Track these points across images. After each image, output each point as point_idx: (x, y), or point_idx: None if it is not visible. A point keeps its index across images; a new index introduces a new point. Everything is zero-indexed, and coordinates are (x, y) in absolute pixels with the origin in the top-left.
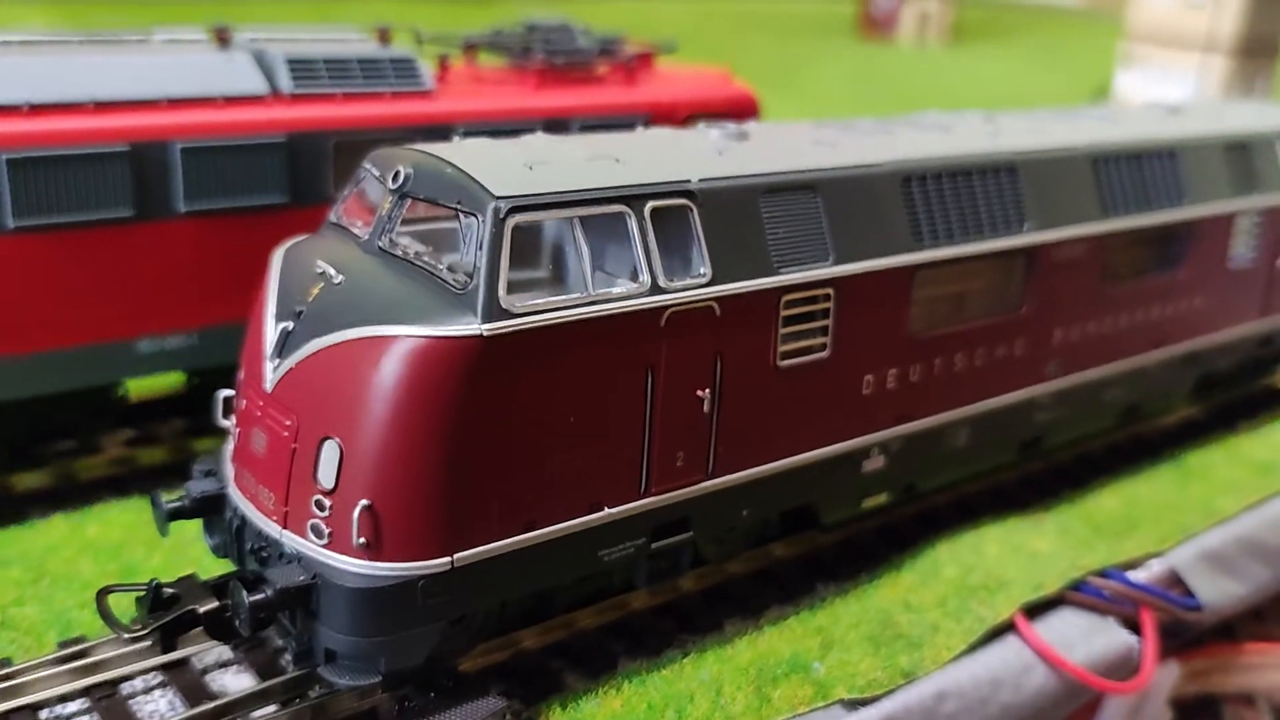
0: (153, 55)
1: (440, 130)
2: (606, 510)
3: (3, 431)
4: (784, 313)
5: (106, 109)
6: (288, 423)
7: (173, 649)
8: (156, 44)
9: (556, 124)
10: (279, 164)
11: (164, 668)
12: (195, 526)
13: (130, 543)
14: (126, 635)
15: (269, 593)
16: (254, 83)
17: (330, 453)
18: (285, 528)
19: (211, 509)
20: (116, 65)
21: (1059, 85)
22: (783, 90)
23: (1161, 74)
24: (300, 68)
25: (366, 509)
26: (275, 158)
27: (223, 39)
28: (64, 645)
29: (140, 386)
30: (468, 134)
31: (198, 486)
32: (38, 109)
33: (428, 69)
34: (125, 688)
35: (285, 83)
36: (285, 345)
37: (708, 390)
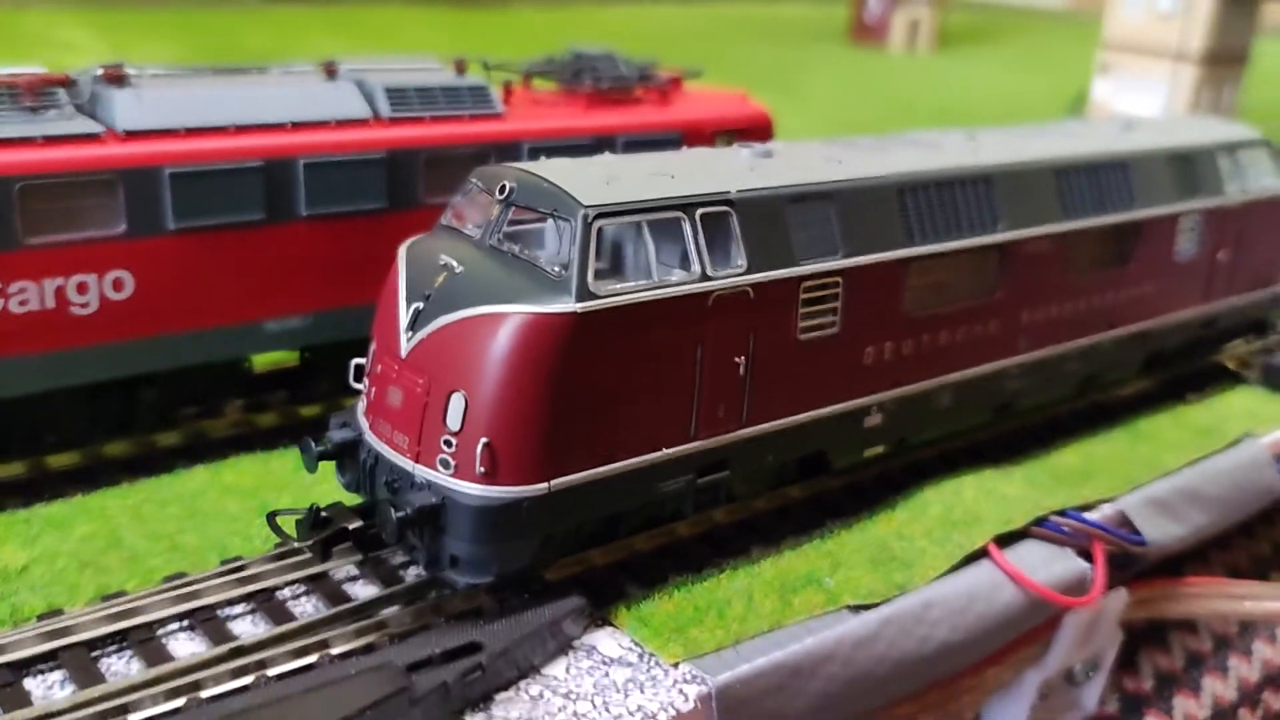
0: (276, 86)
1: (510, 146)
2: (664, 451)
3: (158, 397)
4: (803, 296)
5: (245, 131)
6: (420, 381)
7: (329, 558)
8: (276, 75)
9: (604, 140)
10: (380, 176)
11: (308, 579)
12: (314, 477)
13: (263, 487)
14: (297, 544)
15: (409, 511)
16: (359, 108)
17: (457, 403)
18: (417, 463)
19: (347, 453)
20: (249, 95)
21: (1040, 91)
22: (781, 97)
23: (1135, 82)
24: (396, 95)
25: (486, 445)
26: (377, 171)
27: (330, 72)
28: (226, 563)
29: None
30: (532, 150)
31: (338, 435)
32: (192, 131)
33: (496, 94)
34: (279, 594)
35: (384, 108)
36: (417, 321)
37: (743, 357)
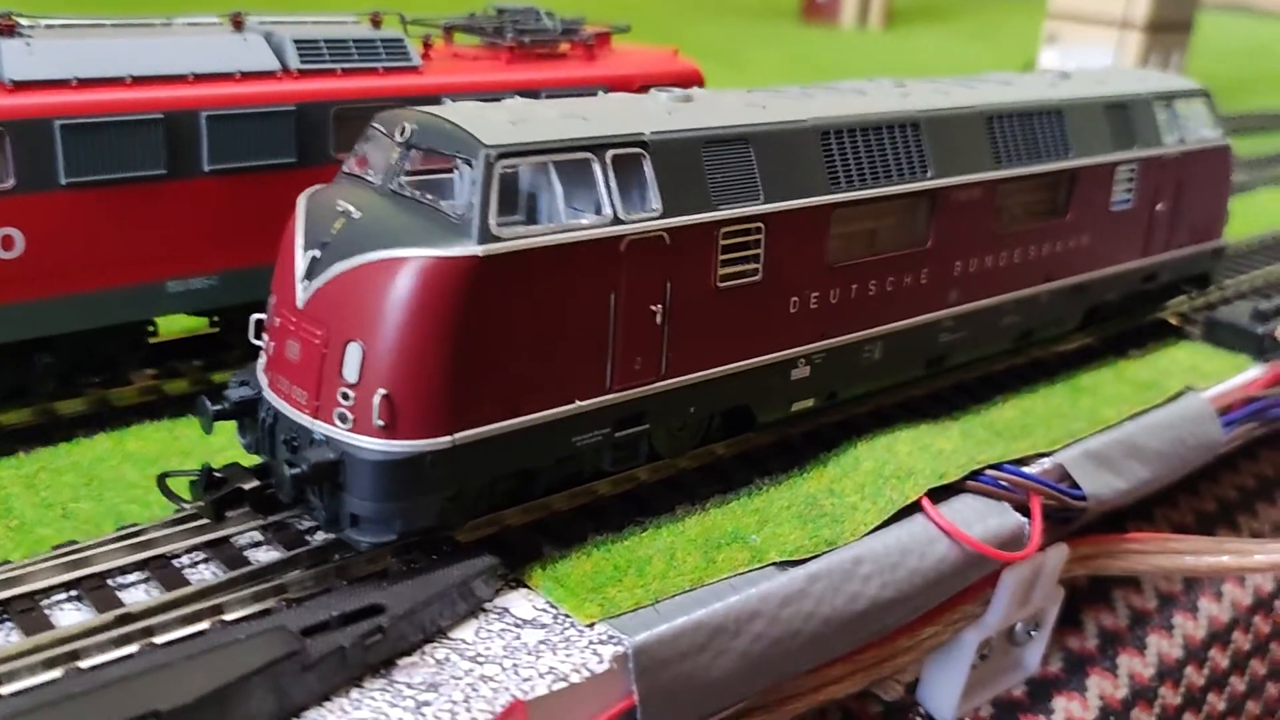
0: (178, 37)
1: (427, 100)
2: (578, 403)
3: (56, 362)
4: (722, 242)
5: (143, 83)
6: (318, 332)
7: (223, 519)
8: (180, 27)
9: (527, 95)
10: (288, 130)
11: (207, 545)
12: (220, 442)
13: (166, 454)
14: (187, 507)
15: (305, 467)
16: (266, 60)
17: (354, 353)
18: (315, 418)
19: (246, 412)
20: (149, 45)
21: (990, 62)
22: (731, 71)
23: (1082, 50)
24: (305, 47)
25: (384, 397)
26: (285, 125)
27: (237, 23)
28: (121, 529)
29: (164, 329)
30: None
31: (235, 393)
32: (85, 83)
33: (414, 48)
34: (176, 562)
35: (293, 60)
36: (313, 269)
37: (660, 306)
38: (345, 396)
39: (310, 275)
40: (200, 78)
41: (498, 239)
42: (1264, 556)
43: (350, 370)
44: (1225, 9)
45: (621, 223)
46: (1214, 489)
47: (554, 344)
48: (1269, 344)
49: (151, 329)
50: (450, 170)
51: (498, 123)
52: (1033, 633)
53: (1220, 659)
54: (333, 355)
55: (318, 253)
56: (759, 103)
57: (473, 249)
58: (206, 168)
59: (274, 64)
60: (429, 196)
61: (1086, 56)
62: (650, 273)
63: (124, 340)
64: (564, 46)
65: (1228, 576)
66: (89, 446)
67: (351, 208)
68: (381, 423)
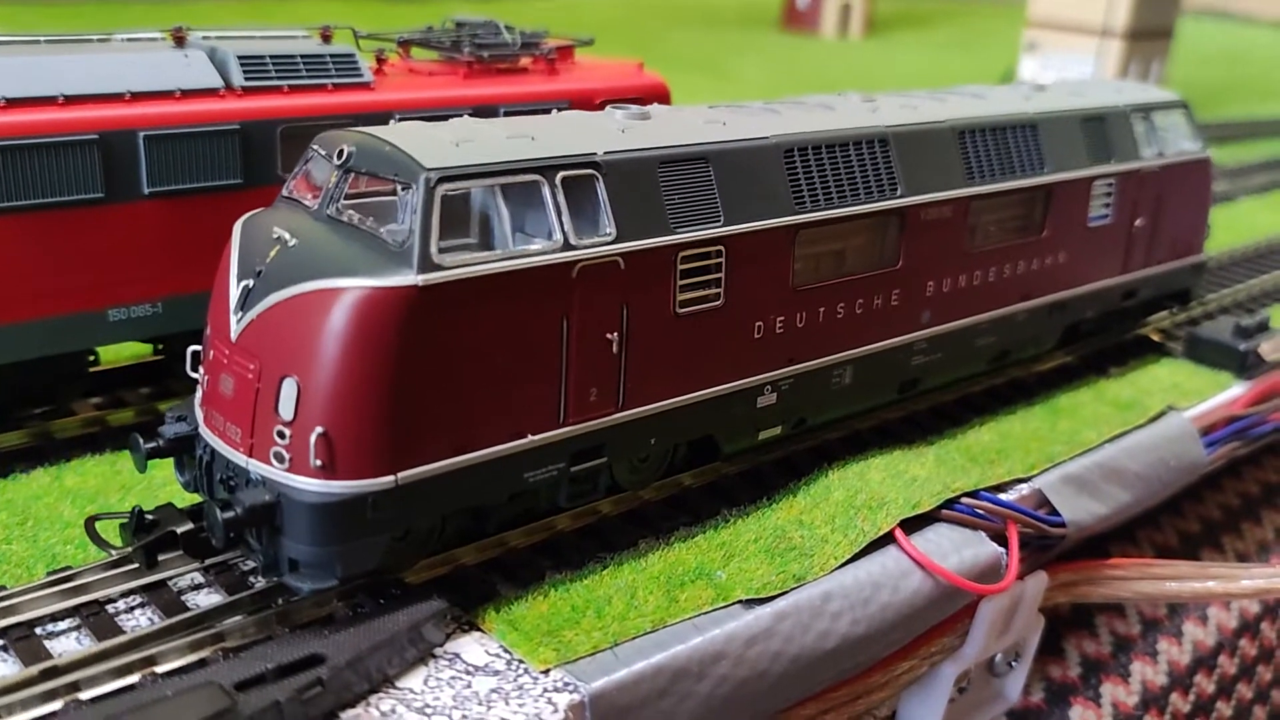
0: (115, 54)
1: (378, 118)
2: (530, 438)
3: None
4: (681, 267)
5: (76, 102)
6: (251, 366)
7: (154, 565)
8: (118, 43)
9: (484, 111)
10: (232, 150)
11: (144, 589)
12: (164, 475)
13: (106, 490)
14: (114, 553)
15: (239, 510)
16: (209, 77)
17: (289, 389)
18: (251, 457)
19: (183, 449)
20: (83, 63)
21: (969, 71)
22: (712, 80)
23: (1062, 58)
24: (250, 63)
25: (322, 435)
26: (229, 144)
27: (178, 39)
28: (52, 573)
29: (107, 356)
30: (403, 120)
31: (171, 429)
32: (12, 103)
33: (366, 64)
34: (110, 608)
35: (237, 77)
36: (247, 300)
37: (616, 334)
38: (281, 435)
39: (244, 306)
40: (138, 96)
41: (439, 267)
42: (1250, 582)
43: (286, 407)
44: (1205, 15)
45: (573, 248)
46: (1198, 509)
47: (503, 376)
48: (1252, 360)
49: (92, 358)
50: (391, 193)
51: (440, 144)
52: (1013, 663)
53: (1206, 684)
54: (267, 391)
55: (251, 282)
56: (719, 119)
57: (412, 278)
58: (146, 190)
59: (217, 81)
60: (369, 222)
61: (1067, 65)
62: (605, 300)
63: (62, 371)
64: (524, 61)
65: (1213, 602)
66: (25, 483)
67: (287, 234)
68: (319, 463)
